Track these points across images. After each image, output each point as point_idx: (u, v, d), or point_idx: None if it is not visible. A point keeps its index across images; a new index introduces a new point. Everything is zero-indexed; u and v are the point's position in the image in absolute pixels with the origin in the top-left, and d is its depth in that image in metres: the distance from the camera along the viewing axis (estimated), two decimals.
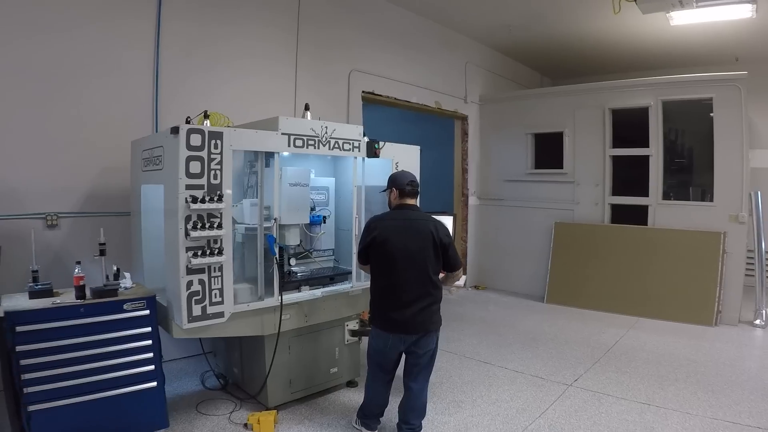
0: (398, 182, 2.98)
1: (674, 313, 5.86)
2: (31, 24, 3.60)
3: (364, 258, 2.99)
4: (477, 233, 7.90)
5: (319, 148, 3.35)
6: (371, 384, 3.06)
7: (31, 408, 2.58)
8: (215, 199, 2.84)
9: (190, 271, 2.83)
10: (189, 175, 2.80)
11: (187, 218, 2.80)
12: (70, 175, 3.83)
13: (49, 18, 3.68)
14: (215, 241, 2.90)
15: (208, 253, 2.85)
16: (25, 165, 3.61)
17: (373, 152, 3.64)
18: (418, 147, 4.19)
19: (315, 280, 3.75)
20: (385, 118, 9.85)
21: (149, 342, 2.97)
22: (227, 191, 2.92)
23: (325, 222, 4.04)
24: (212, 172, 2.86)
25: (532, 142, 7.35)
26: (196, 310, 2.89)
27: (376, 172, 3.85)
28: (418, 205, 3.06)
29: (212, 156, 2.86)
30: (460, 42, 7.44)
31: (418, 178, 4.22)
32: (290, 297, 3.39)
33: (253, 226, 3.42)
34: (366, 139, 3.68)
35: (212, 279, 2.92)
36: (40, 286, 2.92)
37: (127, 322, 2.90)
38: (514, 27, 6.92)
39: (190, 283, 2.85)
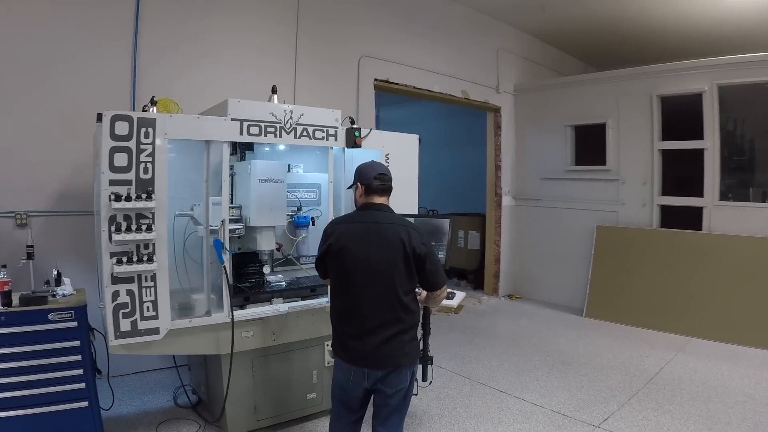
0: (364, 175, 2.38)
1: (731, 333, 4.99)
2: None
3: (322, 271, 2.43)
4: (511, 237, 7.17)
5: (281, 135, 2.86)
6: (334, 425, 2.50)
7: None
8: (144, 196, 2.41)
9: (116, 279, 2.44)
10: (113, 168, 2.41)
11: (111, 218, 2.40)
12: (41, 172, 3.58)
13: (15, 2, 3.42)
14: (146, 246, 2.47)
15: (135, 259, 2.43)
16: None
17: (353, 141, 3.10)
18: (417, 136, 3.62)
19: (291, 291, 3.28)
20: (411, 113, 9.36)
21: (78, 357, 2.63)
22: (161, 187, 2.50)
23: (314, 224, 3.57)
24: (142, 165, 2.45)
25: (572, 136, 6.54)
26: (125, 324, 2.49)
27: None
28: (389, 204, 2.44)
29: (142, 147, 2.44)
30: (490, 26, 6.73)
31: (416, 173, 3.71)
32: (248, 312, 2.93)
33: (213, 228, 2.98)
34: (343, 126, 3.15)
35: (143, 290, 2.50)
36: None
37: (54, 333, 2.58)
38: (549, 7, 6.14)
39: (116, 294, 2.45)
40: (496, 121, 6.96)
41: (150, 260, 2.45)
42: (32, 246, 2.70)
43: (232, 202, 3.42)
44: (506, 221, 7.11)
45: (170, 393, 3.71)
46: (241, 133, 2.72)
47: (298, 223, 3.54)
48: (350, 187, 2.49)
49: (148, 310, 2.52)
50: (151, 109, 2.74)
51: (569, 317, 6.05)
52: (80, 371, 2.64)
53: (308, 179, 3.72)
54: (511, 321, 6.00)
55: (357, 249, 2.24)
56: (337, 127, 3.07)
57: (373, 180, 2.34)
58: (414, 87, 5.76)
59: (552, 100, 6.75)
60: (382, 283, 2.21)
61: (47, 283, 2.84)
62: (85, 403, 2.67)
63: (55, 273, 2.84)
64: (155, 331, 2.55)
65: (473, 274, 7.66)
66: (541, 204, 6.84)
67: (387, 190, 2.40)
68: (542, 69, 7.49)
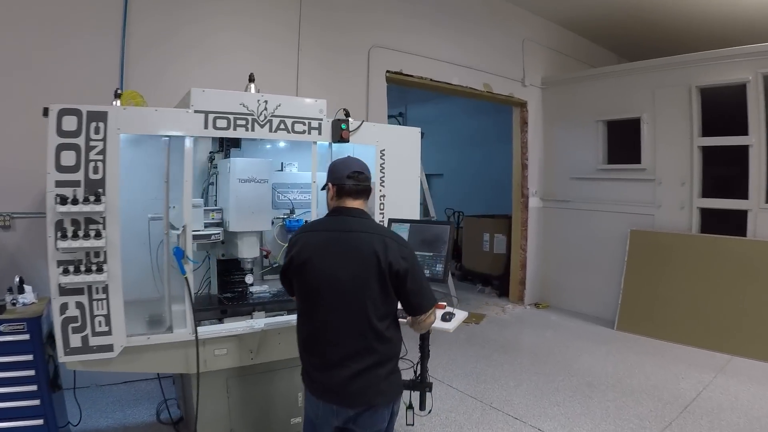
0: (335, 174, 2.02)
1: None
2: None
3: (287, 286, 2.09)
4: (539, 241, 6.68)
5: (254, 129, 2.55)
6: None
7: None
8: (92, 199, 2.16)
9: (64, 291, 2.19)
10: (60, 168, 2.17)
11: (58, 223, 2.16)
12: (25, 173, 3.39)
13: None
14: (96, 254, 2.22)
15: (83, 269, 2.17)
16: None
17: (339, 134, 2.76)
18: (418, 129, 3.25)
19: (275, 304, 2.96)
20: (440, 110, 8.97)
21: (31, 372, 2.42)
22: (113, 189, 2.23)
23: None
24: (92, 165, 2.20)
25: (604, 132, 5.99)
26: (75, 340, 2.24)
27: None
28: (365, 209, 2.04)
29: (92, 143, 2.19)
30: (514, 14, 6.26)
31: (417, 172, 3.30)
32: (217, 329, 2.63)
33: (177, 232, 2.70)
34: (327, 117, 2.81)
35: (94, 303, 2.25)
36: None
37: (5, 346, 2.38)
38: None
39: (64, 307, 2.21)
40: (522, 117, 6.49)
41: (100, 270, 2.19)
42: None
43: (215, 204, 3.19)
44: (533, 224, 6.63)
45: (156, 406, 3.48)
46: (206, 127, 2.42)
47: (290, 228, 3.26)
48: (324, 188, 2.15)
49: (100, 325, 2.26)
50: (115, 102, 2.49)
51: (599, 330, 5.54)
52: (34, 387, 2.43)
53: (303, 179, 3.40)
54: (535, 333, 5.53)
55: (322, 263, 1.89)
56: (321, 119, 2.74)
57: (345, 180, 1.98)
58: (431, 79, 5.38)
59: (582, 94, 6.22)
60: (350, 306, 1.86)
61: (10, 290, 2.64)
62: (40, 421, 2.46)
63: (17, 280, 2.64)
64: (109, 348, 2.30)
65: (498, 280, 7.21)
66: (570, 206, 6.31)
67: (363, 192, 2.02)
68: (572, 61, 6.93)
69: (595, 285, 5.99)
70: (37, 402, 2.44)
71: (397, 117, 11.29)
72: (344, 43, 4.76)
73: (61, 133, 2.15)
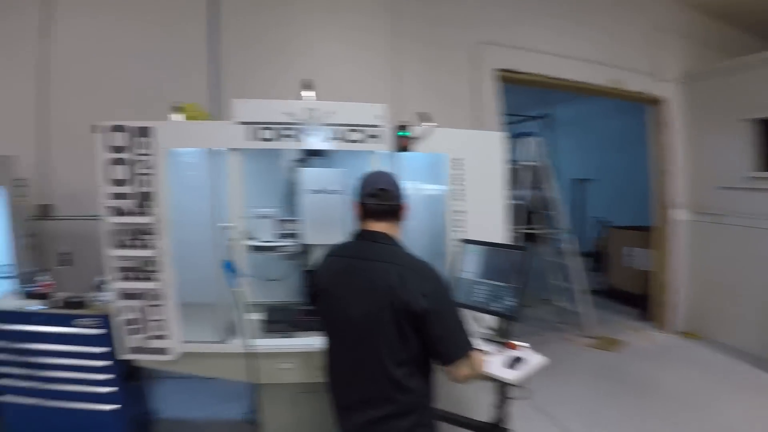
0: (359, 191, 1.78)
1: None
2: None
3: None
4: (688, 259, 5.60)
5: (302, 140, 2.44)
6: None
7: None
8: (142, 211, 2.26)
9: (122, 295, 2.35)
10: (112, 182, 2.30)
11: (113, 234, 2.32)
12: None
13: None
14: (150, 263, 2.31)
15: (138, 277, 2.30)
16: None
17: (400, 143, 2.53)
18: (499, 134, 2.83)
19: None
20: (585, 109, 8.21)
21: (109, 362, 2.62)
22: (162, 200, 2.31)
23: None
24: (142, 178, 2.30)
25: (756, 132, 4.76)
26: (133, 341, 2.40)
27: (428, 174, 2.77)
28: (394, 233, 1.76)
29: (140, 158, 2.30)
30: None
31: (499, 185, 2.86)
32: (274, 343, 2.54)
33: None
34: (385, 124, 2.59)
35: (151, 308, 2.36)
36: (31, 288, 2.81)
37: (81, 338, 2.61)
38: None
39: (124, 309, 2.38)
40: (658, 116, 5.52)
41: (154, 278, 2.30)
42: (69, 253, 2.78)
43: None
44: (682, 239, 5.58)
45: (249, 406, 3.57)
46: (249, 139, 2.38)
47: None
48: None
49: (156, 329, 2.37)
50: (174, 116, 2.56)
51: (757, 375, 4.40)
52: (111, 375, 2.64)
53: None
54: (676, 371, 4.55)
55: (338, 294, 1.70)
56: (379, 126, 2.53)
57: (367, 198, 1.74)
58: (546, 77, 4.82)
59: (730, 88, 5.04)
60: (363, 347, 1.63)
61: (97, 286, 2.89)
62: (115, 406, 2.68)
63: (98, 280, 2.89)
64: (165, 351, 2.41)
65: (646, 301, 6.13)
66: (721, 220, 5.18)
67: (387, 213, 1.75)
68: (714, 52, 5.66)
69: (755, 316, 4.82)
70: (114, 389, 2.65)
71: (540, 119, 10.47)
72: (444, 40, 4.45)
73: (110, 148, 2.28)
